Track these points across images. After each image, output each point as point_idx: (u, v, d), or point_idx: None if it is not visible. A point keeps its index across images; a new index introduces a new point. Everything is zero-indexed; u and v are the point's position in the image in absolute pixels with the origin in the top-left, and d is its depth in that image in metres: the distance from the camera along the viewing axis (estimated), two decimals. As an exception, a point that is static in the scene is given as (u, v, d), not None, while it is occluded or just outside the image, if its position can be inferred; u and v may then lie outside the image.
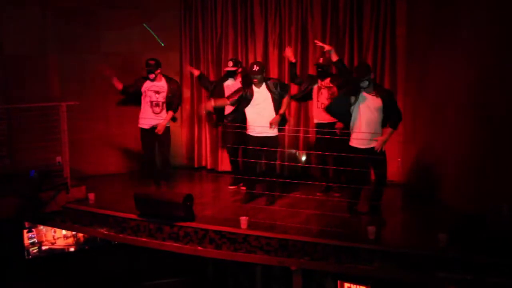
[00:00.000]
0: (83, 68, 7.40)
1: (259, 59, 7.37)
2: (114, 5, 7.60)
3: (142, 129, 6.42)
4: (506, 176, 4.92)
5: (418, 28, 6.42)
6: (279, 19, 7.28)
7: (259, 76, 5.78)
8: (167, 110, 6.35)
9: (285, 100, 5.90)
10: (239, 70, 6.62)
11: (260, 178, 5.84)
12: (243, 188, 6.40)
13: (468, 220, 4.91)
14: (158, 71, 6.32)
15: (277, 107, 5.85)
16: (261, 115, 5.85)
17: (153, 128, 6.33)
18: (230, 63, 6.60)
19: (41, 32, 7.15)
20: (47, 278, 7.13)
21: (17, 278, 7.00)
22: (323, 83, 6.18)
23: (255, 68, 5.78)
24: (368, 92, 5.10)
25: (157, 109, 6.34)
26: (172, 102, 6.36)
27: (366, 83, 5.04)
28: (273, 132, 5.88)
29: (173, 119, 6.50)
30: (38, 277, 7.11)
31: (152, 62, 6.29)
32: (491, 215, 4.87)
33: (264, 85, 5.86)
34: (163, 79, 6.39)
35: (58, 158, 6.24)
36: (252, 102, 5.87)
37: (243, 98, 5.91)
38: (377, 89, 5.15)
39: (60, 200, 6.06)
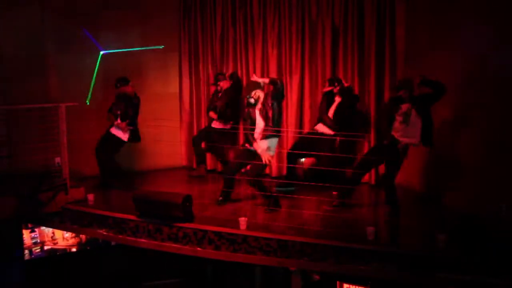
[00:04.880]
0: (82, 69, 7.39)
1: (258, 59, 7.38)
2: (113, 5, 7.58)
3: None
4: (506, 177, 4.91)
5: (417, 29, 6.40)
6: (278, 20, 7.27)
7: (251, 100, 5.68)
8: None
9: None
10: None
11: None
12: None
13: (468, 220, 4.89)
14: None
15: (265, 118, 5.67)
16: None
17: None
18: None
19: (40, 33, 7.15)
20: (47, 278, 7.13)
21: (16, 278, 7.00)
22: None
23: (251, 101, 5.70)
24: None
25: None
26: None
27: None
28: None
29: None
30: (38, 277, 7.11)
31: None
32: (491, 215, 4.86)
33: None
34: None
35: (57, 159, 6.22)
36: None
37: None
38: None
39: (59, 201, 6.04)
